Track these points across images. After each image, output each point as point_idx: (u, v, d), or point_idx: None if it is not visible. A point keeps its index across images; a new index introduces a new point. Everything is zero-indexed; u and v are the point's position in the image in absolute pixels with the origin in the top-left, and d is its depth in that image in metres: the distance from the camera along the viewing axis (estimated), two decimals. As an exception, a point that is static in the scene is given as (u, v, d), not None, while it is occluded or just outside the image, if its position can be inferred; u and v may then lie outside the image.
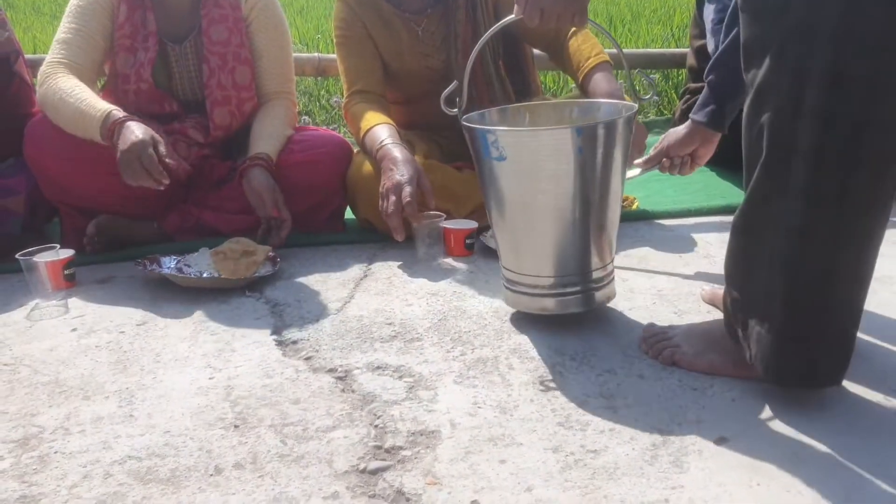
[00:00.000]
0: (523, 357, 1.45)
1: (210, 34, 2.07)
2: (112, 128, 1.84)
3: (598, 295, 1.52)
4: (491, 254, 1.99)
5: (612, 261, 1.54)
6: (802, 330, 1.21)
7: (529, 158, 1.39)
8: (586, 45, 2.13)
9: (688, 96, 2.82)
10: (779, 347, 1.22)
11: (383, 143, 2.01)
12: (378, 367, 1.43)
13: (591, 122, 1.40)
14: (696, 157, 1.92)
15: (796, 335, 1.21)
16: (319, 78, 3.57)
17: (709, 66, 1.79)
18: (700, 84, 2.73)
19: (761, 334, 1.24)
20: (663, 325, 1.52)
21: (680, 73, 3.75)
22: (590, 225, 1.45)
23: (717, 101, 1.78)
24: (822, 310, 1.20)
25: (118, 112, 1.85)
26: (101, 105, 1.88)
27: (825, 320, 1.20)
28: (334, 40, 2.29)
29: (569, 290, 1.50)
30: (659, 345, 1.44)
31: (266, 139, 2.09)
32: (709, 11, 2.57)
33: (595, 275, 1.51)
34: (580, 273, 1.49)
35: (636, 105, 1.49)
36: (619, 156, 1.42)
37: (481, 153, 1.44)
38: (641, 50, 4.11)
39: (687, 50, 2.98)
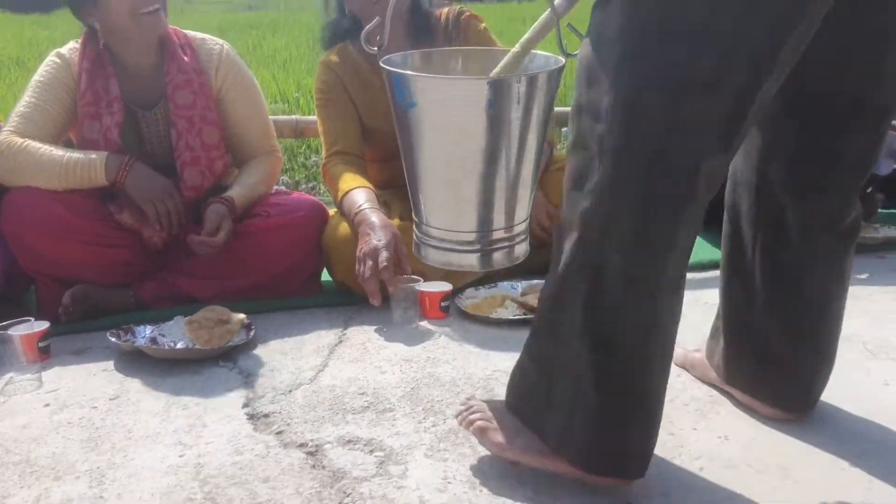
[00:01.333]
0: (494, 427, 1.46)
1: (176, 99, 2.10)
2: (125, 166, 2.01)
3: (518, 249, 1.39)
4: (466, 316, 2.01)
5: (527, 219, 1.41)
6: (616, 416, 1.19)
7: (439, 108, 1.27)
8: None
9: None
10: (592, 434, 1.20)
11: (361, 208, 2.04)
12: (349, 441, 1.43)
13: (504, 77, 1.29)
14: None
15: (610, 421, 1.19)
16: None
17: None
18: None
19: (571, 419, 1.21)
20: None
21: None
22: (503, 182, 1.32)
23: None
24: (635, 394, 1.19)
25: (117, 154, 2.02)
26: (91, 153, 2.02)
27: (637, 405, 1.20)
28: (315, 102, 2.33)
29: (479, 246, 1.36)
30: (471, 417, 1.36)
31: (237, 186, 2.15)
32: None
33: (511, 231, 1.37)
34: (487, 230, 1.35)
35: (563, 60, 1.34)
36: (538, 111, 1.29)
37: (395, 98, 1.32)
38: None
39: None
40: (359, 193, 2.09)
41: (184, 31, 2.19)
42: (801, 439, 1.41)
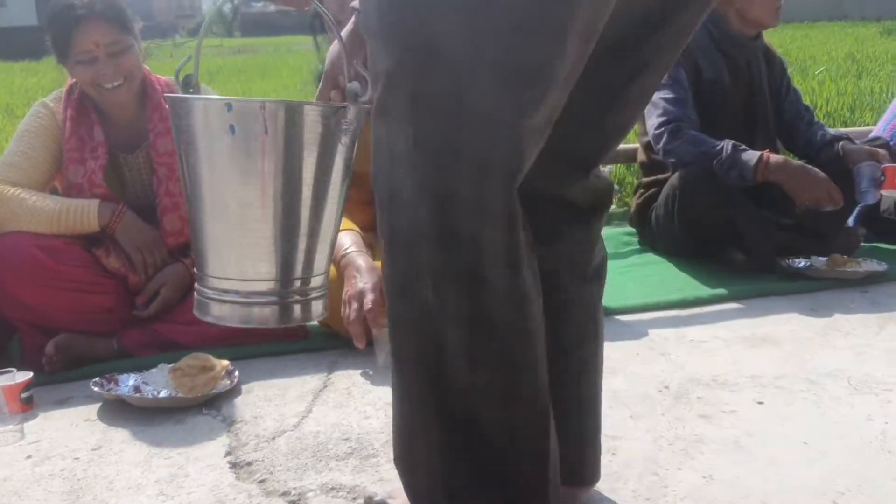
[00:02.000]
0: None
1: (157, 147, 2.12)
2: (118, 213, 2.05)
3: (314, 305, 1.20)
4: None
5: (325, 273, 1.21)
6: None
7: (191, 130, 1.12)
8: None
9: (641, 190, 2.89)
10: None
11: (347, 251, 2.05)
12: (332, 489, 1.42)
13: (246, 99, 1.11)
14: None
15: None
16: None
17: None
18: (652, 177, 2.82)
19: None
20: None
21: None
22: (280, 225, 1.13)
23: None
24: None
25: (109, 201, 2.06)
26: (82, 200, 2.05)
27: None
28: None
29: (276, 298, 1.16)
30: None
31: None
32: (651, 119, 2.64)
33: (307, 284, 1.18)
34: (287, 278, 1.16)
35: (352, 106, 1.13)
36: (304, 154, 1.12)
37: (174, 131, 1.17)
38: None
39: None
40: (345, 237, 2.10)
41: (166, 77, 2.21)
42: (787, 477, 1.41)
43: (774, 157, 2.45)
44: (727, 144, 2.47)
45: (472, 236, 0.96)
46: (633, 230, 3.04)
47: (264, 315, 1.16)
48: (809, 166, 2.46)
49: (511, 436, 1.03)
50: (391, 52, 0.96)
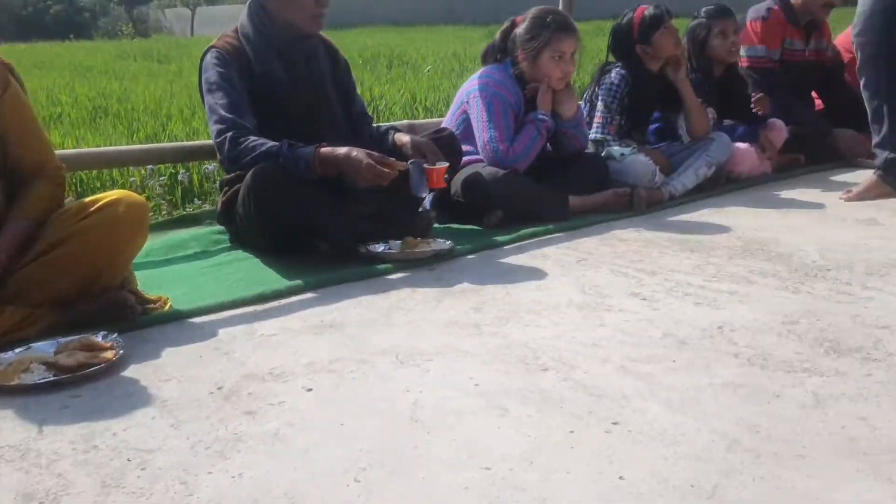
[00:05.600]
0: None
1: None
2: None
3: None
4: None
5: None
6: None
7: None
8: None
9: (226, 188, 2.80)
10: None
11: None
12: None
13: None
14: None
15: None
16: None
17: None
18: (234, 174, 2.74)
19: None
20: None
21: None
22: None
23: None
24: None
25: None
26: None
27: None
28: None
29: None
30: None
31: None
32: (210, 126, 2.63)
33: None
34: None
35: None
36: None
37: None
38: (174, 144, 4.11)
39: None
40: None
41: None
42: (317, 463, 1.41)
43: (324, 151, 2.48)
44: (284, 145, 2.48)
45: None
46: (222, 228, 2.94)
47: None
48: (355, 153, 2.47)
49: None
50: None
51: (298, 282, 2.39)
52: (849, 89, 4.40)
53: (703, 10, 3.83)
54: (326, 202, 2.59)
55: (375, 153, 2.50)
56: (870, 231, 2.85)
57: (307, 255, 2.63)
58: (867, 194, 3.27)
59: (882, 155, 3.27)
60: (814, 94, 4.48)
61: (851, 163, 4.05)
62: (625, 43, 3.53)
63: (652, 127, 3.81)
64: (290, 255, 2.63)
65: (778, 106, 3.94)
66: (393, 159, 2.53)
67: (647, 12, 3.47)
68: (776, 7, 4.11)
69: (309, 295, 2.34)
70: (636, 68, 3.50)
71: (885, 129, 3.21)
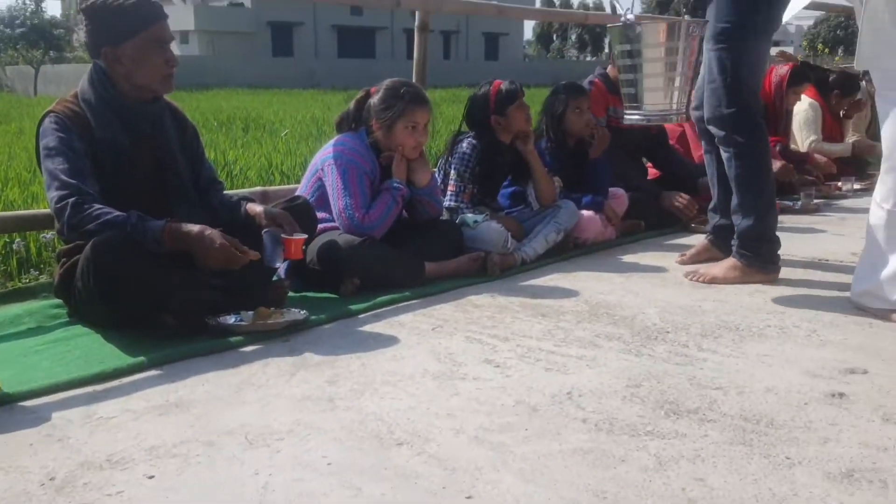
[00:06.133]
0: None
1: None
2: None
3: None
4: None
5: None
6: None
7: None
8: None
9: (64, 259, 2.65)
10: None
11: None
12: None
13: None
14: None
15: None
16: None
17: None
18: (72, 244, 2.60)
19: None
20: None
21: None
22: None
23: None
24: None
25: None
26: None
27: None
28: None
29: None
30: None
31: None
32: (50, 192, 2.48)
33: None
34: None
35: None
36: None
37: None
38: (10, 213, 3.83)
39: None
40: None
41: None
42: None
43: (175, 227, 2.40)
44: (132, 216, 2.39)
45: None
46: (60, 301, 2.77)
47: None
48: (208, 232, 2.42)
49: None
50: None
51: (141, 358, 2.27)
52: (676, 155, 4.76)
53: (561, 85, 4.07)
54: (172, 273, 2.50)
55: (229, 237, 2.44)
56: (704, 293, 3.04)
57: (151, 329, 2.52)
58: (699, 257, 3.48)
59: (713, 219, 3.50)
60: (649, 164, 4.81)
61: (686, 228, 4.32)
62: (481, 113, 3.67)
63: (507, 191, 3.94)
64: (134, 329, 2.51)
65: (615, 173, 4.19)
66: (246, 248, 2.46)
67: (503, 86, 3.63)
68: (596, 79, 4.46)
69: (153, 372, 2.22)
70: (489, 138, 3.63)
71: (716, 194, 3.45)
